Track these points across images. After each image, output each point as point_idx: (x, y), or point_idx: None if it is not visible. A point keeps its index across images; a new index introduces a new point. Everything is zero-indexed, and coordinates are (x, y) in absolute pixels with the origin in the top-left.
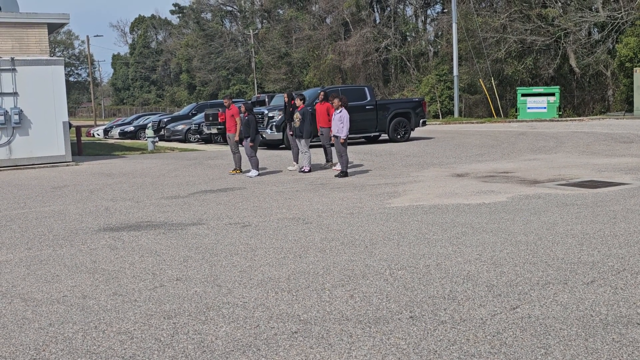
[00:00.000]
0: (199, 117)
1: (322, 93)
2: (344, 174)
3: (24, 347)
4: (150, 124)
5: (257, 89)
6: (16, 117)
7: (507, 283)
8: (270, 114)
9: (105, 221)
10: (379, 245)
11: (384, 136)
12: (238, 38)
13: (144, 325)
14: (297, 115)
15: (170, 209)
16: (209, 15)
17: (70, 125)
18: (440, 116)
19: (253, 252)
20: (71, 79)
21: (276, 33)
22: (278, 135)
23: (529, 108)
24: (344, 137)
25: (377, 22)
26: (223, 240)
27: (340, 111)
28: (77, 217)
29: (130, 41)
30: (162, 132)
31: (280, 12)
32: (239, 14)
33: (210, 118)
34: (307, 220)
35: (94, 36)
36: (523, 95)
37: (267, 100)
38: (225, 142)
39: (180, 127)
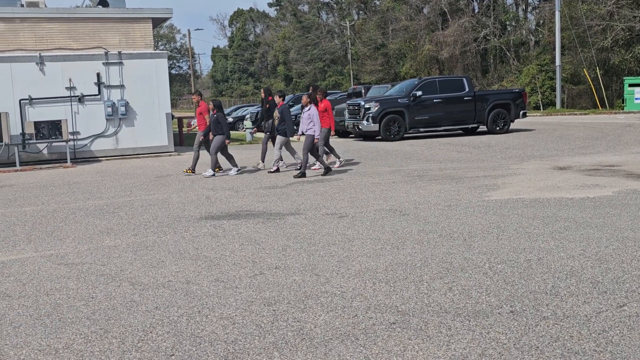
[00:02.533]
0: (296, 108)
1: (312, 89)
2: (302, 174)
3: (132, 329)
4: (248, 116)
5: (353, 81)
6: (122, 108)
7: (613, 280)
8: (367, 106)
9: (207, 210)
10: (478, 239)
11: (482, 128)
12: (334, 30)
13: (244, 311)
14: (276, 113)
15: (268, 198)
16: (305, 8)
17: (173, 117)
18: (541, 107)
19: (350, 242)
20: (173, 71)
21: (373, 24)
22: (374, 127)
23: (636, 99)
24: (317, 137)
25: (476, 11)
26: (320, 230)
27: (309, 108)
28: (180, 206)
29: (229, 34)
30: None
31: (377, 3)
32: (335, 5)
33: None
34: (404, 212)
35: (195, 30)
36: (631, 85)
37: (363, 91)
38: None
39: None
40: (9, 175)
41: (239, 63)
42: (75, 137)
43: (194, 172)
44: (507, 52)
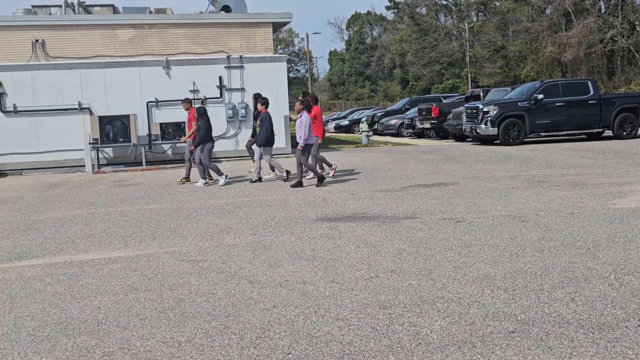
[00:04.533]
0: (412, 111)
1: (302, 95)
2: (299, 183)
3: (250, 326)
4: (364, 119)
5: (471, 84)
6: (243, 111)
7: None
8: (486, 109)
9: (323, 211)
10: (602, 248)
11: (608, 133)
12: (452, 32)
13: (360, 313)
14: (258, 122)
15: (384, 201)
16: (423, 10)
17: (290, 119)
18: None
19: (467, 248)
20: (291, 74)
21: (492, 26)
22: (493, 131)
23: None
24: (302, 145)
25: (603, 11)
26: (437, 235)
27: (301, 115)
28: (297, 207)
29: (346, 37)
30: (375, 126)
31: (497, 4)
32: (454, 7)
33: (424, 112)
34: (523, 219)
35: (313, 33)
36: None
37: (481, 94)
38: (437, 137)
39: (393, 122)
40: (136, 174)
41: (356, 66)
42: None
43: (189, 181)
44: (636, 54)
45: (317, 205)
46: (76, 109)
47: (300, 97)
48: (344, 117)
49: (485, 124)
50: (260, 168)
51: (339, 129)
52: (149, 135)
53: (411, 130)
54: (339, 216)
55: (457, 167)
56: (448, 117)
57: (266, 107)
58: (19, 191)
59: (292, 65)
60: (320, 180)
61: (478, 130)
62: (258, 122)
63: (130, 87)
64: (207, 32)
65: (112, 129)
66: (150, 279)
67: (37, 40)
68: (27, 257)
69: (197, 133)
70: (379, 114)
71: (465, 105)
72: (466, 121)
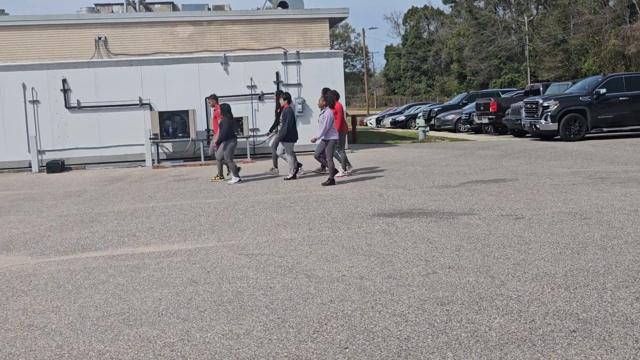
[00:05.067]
0: (470, 106)
1: (323, 91)
2: (330, 181)
3: (308, 320)
4: (421, 114)
5: (530, 78)
6: (299, 106)
7: None
8: (545, 104)
9: (379, 207)
10: None
11: None
12: (511, 25)
13: (417, 309)
14: (281, 117)
15: (441, 197)
16: (481, 4)
17: (346, 114)
18: None
19: (527, 245)
20: (347, 70)
21: (552, 19)
22: (553, 126)
23: None
24: (317, 137)
25: None
26: (495, 232)
27: (324, 111)
28: (353, 202)
29: (402, 32)
30: (432, 122)
31: None
32: (512, 0)
33: (482, 107)
34: (585, 216)
35: (369, 29)
36: None
37: (541, 89)
38: (495, 132)
39: (450, 117)
40: (195, 169)
41: (412, 61)
42: (254, 134)
43: (222, 178)
44: None
45: (373, 201)
46: (137, 104)
47: (322, 94)
48: (400, 113)
49: (545, 119)
50: (295, 162)
51: (395, 124)
52: (207, 130)
53: (468, 126)
54: (396, 212)
55: (515, 163)
56: (506, 112)
57: (288, 102)
58: (83, 185)
59: (348, 60)
60: (332, 182)
61: (537, 126)
62: (281, 117)
63: (189, 83)
64: (264, 28)
65: (172, 124)
66: (209, 272)
67: (99, 38)
68: (90, 249)
69: (220, 130)
70: (436, 109)
71: (525, 100)
72: (525, 116)
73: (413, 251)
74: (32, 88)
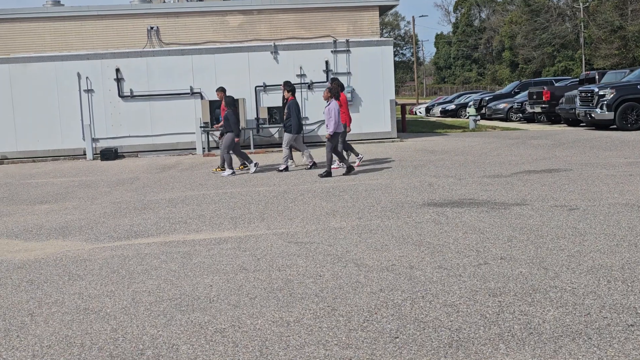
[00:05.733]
0: (522, 95)
1: (330, 81)
2: (327, 173)
3: (358, 309)
4: (471, 103)
5: (585, 66)
6: (349, 95)
7: None
8: (601, 92)
9: (429, 196)
10: None
11: None
12: (566, 12)
13: (469, 300)
14: (286, 110)
15: (492, 187)
16: None
17: (396, 103)
18: None
19: (582, 236)
20: (396, 58)
21: (609, 5)
22: (609, 115)
23: None
24: (330, 133)
25: None
26: (549, 223)
27: (329, 103)
28: (402, 191)
29: (453, 20)
30: (483, 111)
31: None
32: None
33: (535, 96)
34: None
35: (419, 16)
36: None
37: (597, 77)
38: (548, 121)
39: (501, 106)
40: None
41: (463, 49)
42: (304, 123)
43: (246, 167)
44: None
45: (423, 190)
46: (188, 93)
47: (329, 84)
48: (450, 102)
49: (601, 108)
50: (308, 154)
51: (445, 113)
52: (257, 119)
53: (520, 115)
54: (446, 201)
55: (569, 152)
56: (560, 101)
57: (292, 94)
58: (135, 172)
59: (398, 49)
60: (329, 174)
61: (593, 115)
62: (286, 109)
63: (239, 72)
64: (314, 17)
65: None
66: (259, 260)
67: (152, 28)
68: (143, 236)
69: (229, 122)
70: (487, 98)
71: (579, 88)
72: (580, 105)
73: (464, 241)
74: (87, 77)
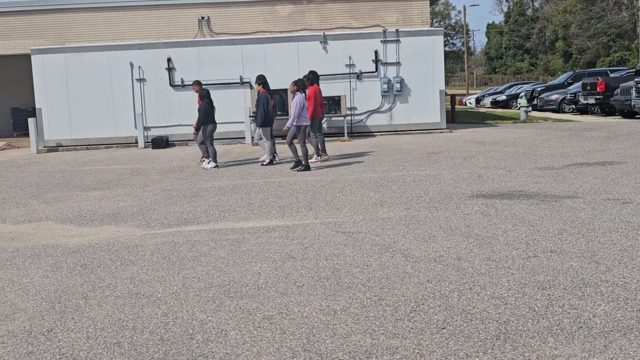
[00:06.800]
0: (575, 86)
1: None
2: (302, 165)
3: (405, 299)
4: (523, 93)
5: None
6: (398, 85)
7: None
8: None
9: (478, 188)
10: None
11: None
12: (622, 1)
13: (517, 293)
14: (255, 103)
15: (543, 179)
16: None
17: (445, 94)
18: None
19: (635, 231)
20: (446, 48)
21: None
22: None
23: None
24: (288, 125)
25: None
26: (601, 216)
27: (294, 96)
28: (451, 182)
29: (505, 9)
30: (534, 102)
31: None
32: None
33: (588, 87)
34: None
35: (470, 6)
36: None
37: None
38: (602, 113)
39: (554, 97)
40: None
41: (515, 39)
42: (352, 113)
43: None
44: None
45: (472, 182)
46: (237, 83)
47: (305, 76)
48: (501, 92)
49: None
50: (268, 150)
51: (495, 104)
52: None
53: (573, 106)
54: (495, 193)
55: (624, 145)
56: (615, 92)
57: (263, 86)
58: (185, 161)
59: (448, 38)
60: (297, 165)
61: (638, 106)
62: (256, 102)
63: (289, 61)
64: (363, 7)
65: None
66: (306, 248)
67: (202, 18)
68: (193, 223)
69: (198, 115)
70: (539, 89)
71: (636, 79)
72: (636, 96)
73: (513, 234)
74: (139, 67)
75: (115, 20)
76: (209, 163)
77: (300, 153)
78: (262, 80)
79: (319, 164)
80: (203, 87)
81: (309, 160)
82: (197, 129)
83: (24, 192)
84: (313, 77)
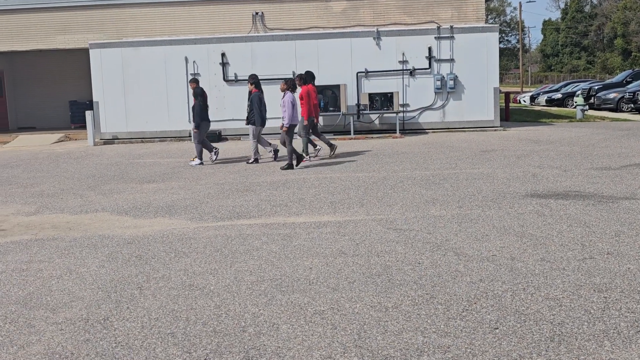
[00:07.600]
0: (635, 85)
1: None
2: (289, 166)
3: (457, 297)
4: (579, 92)
5: None
6: (451, 82)
7: None
8: None
9: (532, 187)
10: None
11: None
12: None
13: (572, 294)
14: (249, 102)
15: (599, 180)
16: None
17: (500, 92)
18: None
19: None
20: (501, 45)
21: None
22: None
23: None
24: (286, 125)
25: None
26: None
27: (284, 95)
28: (505, 181)
29: (562, 6)
30: (591, 100)
31: None
32: None
33: None
34: None
35: (527, 2)
36: None
37: None
38: None
39: (612, 96)
40: (344, 143)
41: (572, 36)
42: (404, 109)
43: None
44: None
45: (526, 181)
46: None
47: (298, 76)
48: (557, 90)
49: None
50: (256, 149)
51: (550, 102)
52: (358, 105)
53: (632, 105)
54: (550, 193)
55: None
56: None
57: (255, 86)
58: (237, 154)
59: (503, 35)
60: (290, 167)
61: None
62: (249, 102)
63: (341, 57)
64: (417, 3)
65: (323, 98)
66: (358, 245)
67: (256, 13)
68: (245, 217)
69: (194, 113)
70: (596, 87)
71: None
72: None
73: (568, 234)
74: (194, 61)
75: (172, 16)
76: (194, 160)
77: (287, 152)
78: (254, 80)
79: (308, 162)
80: (197, 86)
81: (309, 159)
82: (197, 128)
83: (81, 183)
84: (307, 77)
